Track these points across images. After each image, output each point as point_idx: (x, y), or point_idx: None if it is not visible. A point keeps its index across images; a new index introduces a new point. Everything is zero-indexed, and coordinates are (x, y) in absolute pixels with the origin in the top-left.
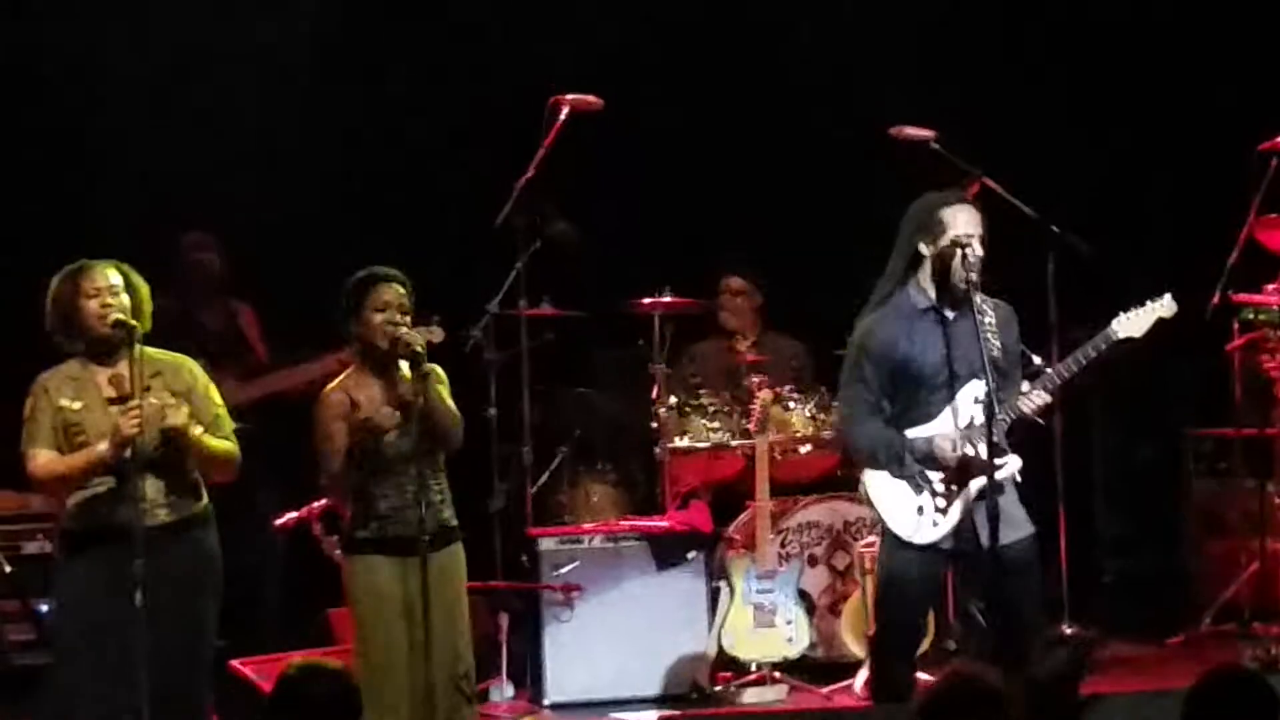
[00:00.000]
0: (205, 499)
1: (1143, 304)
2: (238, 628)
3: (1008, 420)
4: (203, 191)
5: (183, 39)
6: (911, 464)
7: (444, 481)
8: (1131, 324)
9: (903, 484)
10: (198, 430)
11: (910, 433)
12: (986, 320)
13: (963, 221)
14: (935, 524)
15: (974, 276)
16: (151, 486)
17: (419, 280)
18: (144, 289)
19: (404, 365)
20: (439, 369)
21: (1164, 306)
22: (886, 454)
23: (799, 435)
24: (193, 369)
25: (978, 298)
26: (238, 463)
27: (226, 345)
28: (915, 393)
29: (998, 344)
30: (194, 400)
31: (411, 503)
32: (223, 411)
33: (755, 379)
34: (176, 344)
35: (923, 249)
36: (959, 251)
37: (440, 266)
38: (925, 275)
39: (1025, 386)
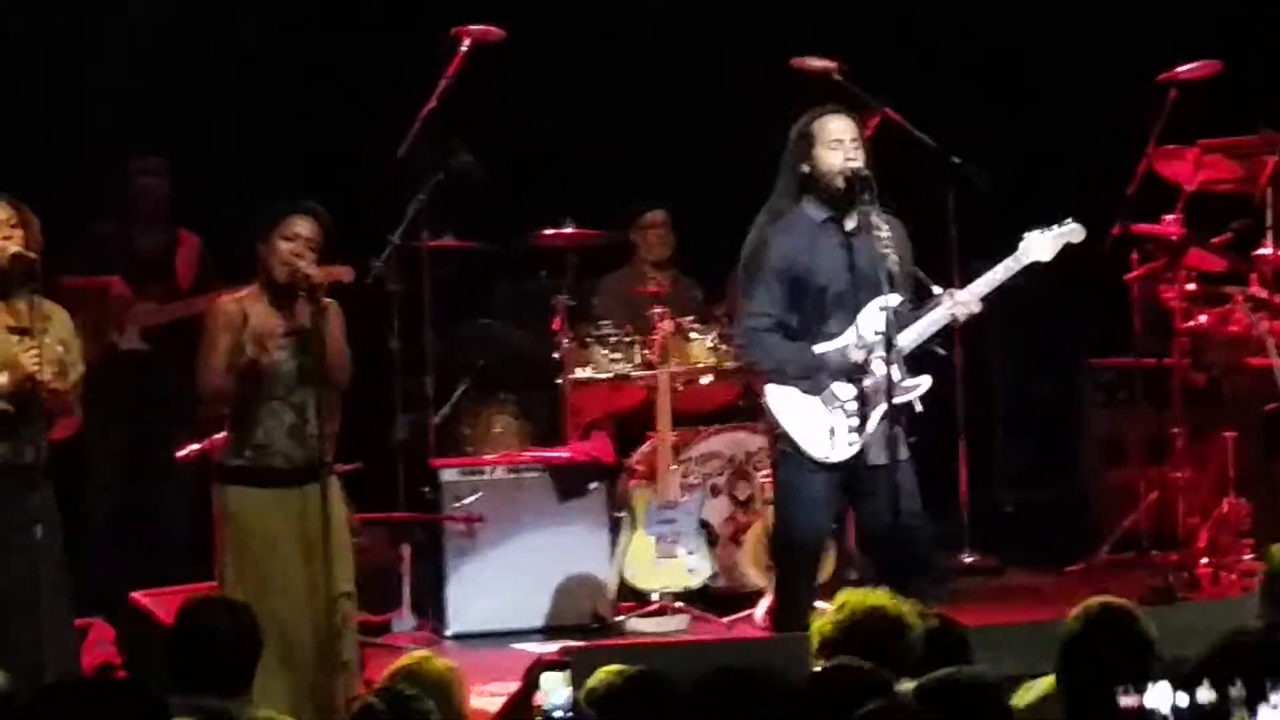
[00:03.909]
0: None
1: (1049, 227)
2: (140, 559)
3: (926, 338)
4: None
5: None
6: (823, 379)
7: (324, 416)
8: (1040, 247)
9: (814, 402)
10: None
11: (815, 349)
12: (883, 234)
13: (833, 129)
14: (851, 444)
15: (857, 169)
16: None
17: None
18: (36, 223)
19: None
20: (336, 304)
21: (1073, 231)
22: (796, 368)
23: (700, 366)
24: (70, 321)
25: (870, 206)
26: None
27: (155, 270)
28: (817, 308)
29: (895, 258)
30: (71, 350)
31: (289, 433)
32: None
33: (657, 310)
34: (108, 268)
35: (804, 167)
36: (832, 153)
37: (343, 197)
38: (814, 191)
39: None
